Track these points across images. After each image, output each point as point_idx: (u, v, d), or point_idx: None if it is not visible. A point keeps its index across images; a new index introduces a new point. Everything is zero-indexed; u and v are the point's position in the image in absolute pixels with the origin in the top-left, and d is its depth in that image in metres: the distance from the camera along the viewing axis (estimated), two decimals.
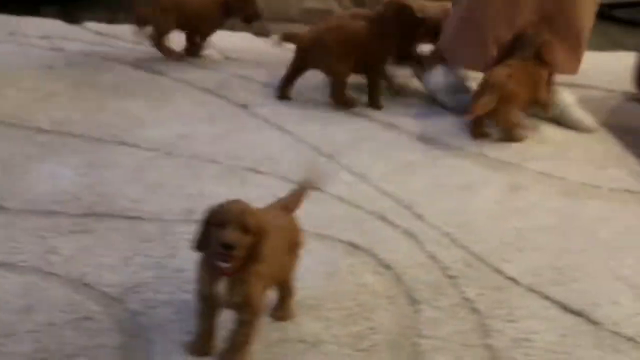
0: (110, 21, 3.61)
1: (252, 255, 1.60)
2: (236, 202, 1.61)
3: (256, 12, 3.28)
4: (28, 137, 2.56)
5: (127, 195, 2.29)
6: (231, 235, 1.55)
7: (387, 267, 2.10)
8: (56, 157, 2.46)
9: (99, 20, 3.61)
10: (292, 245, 1.77)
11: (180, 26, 3.20)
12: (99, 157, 2.48)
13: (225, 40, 3.39)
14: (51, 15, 3.62)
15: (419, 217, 2.32)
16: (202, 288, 1.65)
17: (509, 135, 2.78)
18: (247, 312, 1.66)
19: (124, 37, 3.40)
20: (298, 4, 4.14)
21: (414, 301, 1.98)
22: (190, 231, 1.73)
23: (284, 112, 2.88)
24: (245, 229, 1.57)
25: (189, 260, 1.75)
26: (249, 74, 3.18)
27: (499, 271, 2.12)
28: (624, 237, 2.30)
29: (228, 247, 1.55)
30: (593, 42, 3.08)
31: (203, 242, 1.61)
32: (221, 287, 1.63)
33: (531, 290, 2.05)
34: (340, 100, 2.95)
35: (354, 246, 2.17)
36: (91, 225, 2.14)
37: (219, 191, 2.33)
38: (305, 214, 2.12)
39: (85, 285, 1.90)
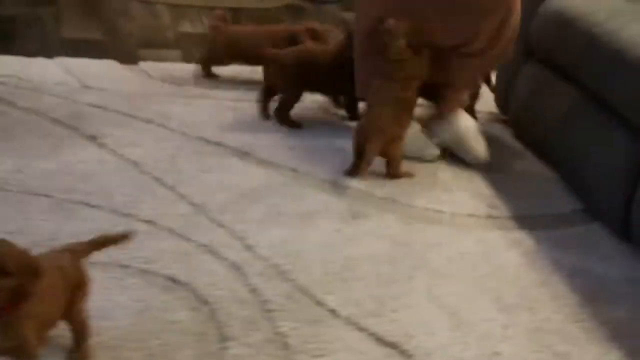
0: None
1: (20, 296, 1.55)
2: None
3: None
4: None
5: None
6: None
7: (205, 302, 2.05)
8: None
9: None
10: (74, 286, 1.71)
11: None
12: None
13: (85, 68, 3.33)
14: None
15: (249, 248, 2.28)
16: None
17: (397, 173, 2.72)
18: (21, 356, 1.60)
19: None
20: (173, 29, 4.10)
21: (223, 338, 1.93)
22: None
23: (134, 143, 2.83)
24: (4, 271, 1.51)
25: None
26: (106, 103, 3.12)
27: (320, 303, 2.08)
28: (454, 264, 2.28)
29: None
30: None
31: None
32: None
33: (349, 322, 2.02)
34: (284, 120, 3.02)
35: (174, 281, 2.12)
36: None
37: (43, 227, 2.27)
38: (132, 249, 2.07)
39: None
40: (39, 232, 2.26)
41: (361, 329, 2.00)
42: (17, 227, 2.27)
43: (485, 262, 2.32)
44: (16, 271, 1.53)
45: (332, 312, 2.05)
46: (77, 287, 1.73)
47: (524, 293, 2.19)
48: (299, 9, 4.60)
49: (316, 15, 4.39)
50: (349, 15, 3.16)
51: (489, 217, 2.57)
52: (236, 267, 2.19)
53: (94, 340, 1.84)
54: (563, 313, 2.13)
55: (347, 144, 2.76)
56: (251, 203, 2.51)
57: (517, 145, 3.05)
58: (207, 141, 2.90)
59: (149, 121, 3.00)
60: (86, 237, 1.87)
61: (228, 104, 3.24)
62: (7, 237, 2.18)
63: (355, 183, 2.67)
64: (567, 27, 2.74)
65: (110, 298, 2.02)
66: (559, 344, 2.02)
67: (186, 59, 3.74)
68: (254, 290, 2.11)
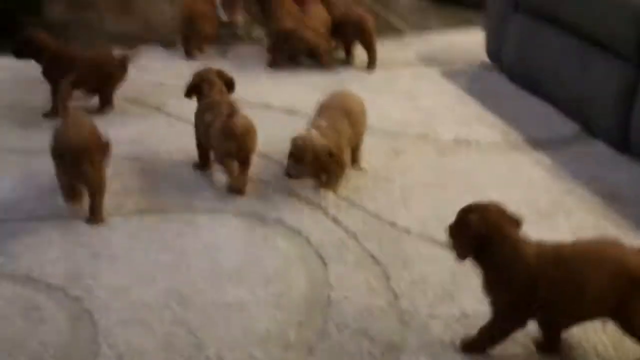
0: None
1: None
2: None
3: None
4: None
5: None
6: None
7: (297, 232, 2.38)
8: None
9: None
10: None
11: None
12: None
13: None
14: None
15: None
16: None
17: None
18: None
19: None
20: None
21: (322, 260, 2.27)
22: None
23: None
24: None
25: None
26: None
27: (393, 224, 2.42)
28: (493, 181, 2.67)
29: None
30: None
31: None
32: None
33: (421, 237, 2.36)
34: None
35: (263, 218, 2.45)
36: None
37: None
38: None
39: None
40: None
41: (433, 242, 2.33)
42: None
43: (517, 177, 2.70)
44: None
45: (406, 230, 2.40)
46: None
47: (557, 200, 2.57)
48: None
49: None
50: None
51: (507, 142, 2.94)
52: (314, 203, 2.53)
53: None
54: (594, 214, 2.50)
55: None
56: None
57: (512, 86, 3.43)
58: None
59: None
60: None
61: None
62: None
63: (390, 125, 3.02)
64: None
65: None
66: None
67: None
68: (335, 220, 2.44)
